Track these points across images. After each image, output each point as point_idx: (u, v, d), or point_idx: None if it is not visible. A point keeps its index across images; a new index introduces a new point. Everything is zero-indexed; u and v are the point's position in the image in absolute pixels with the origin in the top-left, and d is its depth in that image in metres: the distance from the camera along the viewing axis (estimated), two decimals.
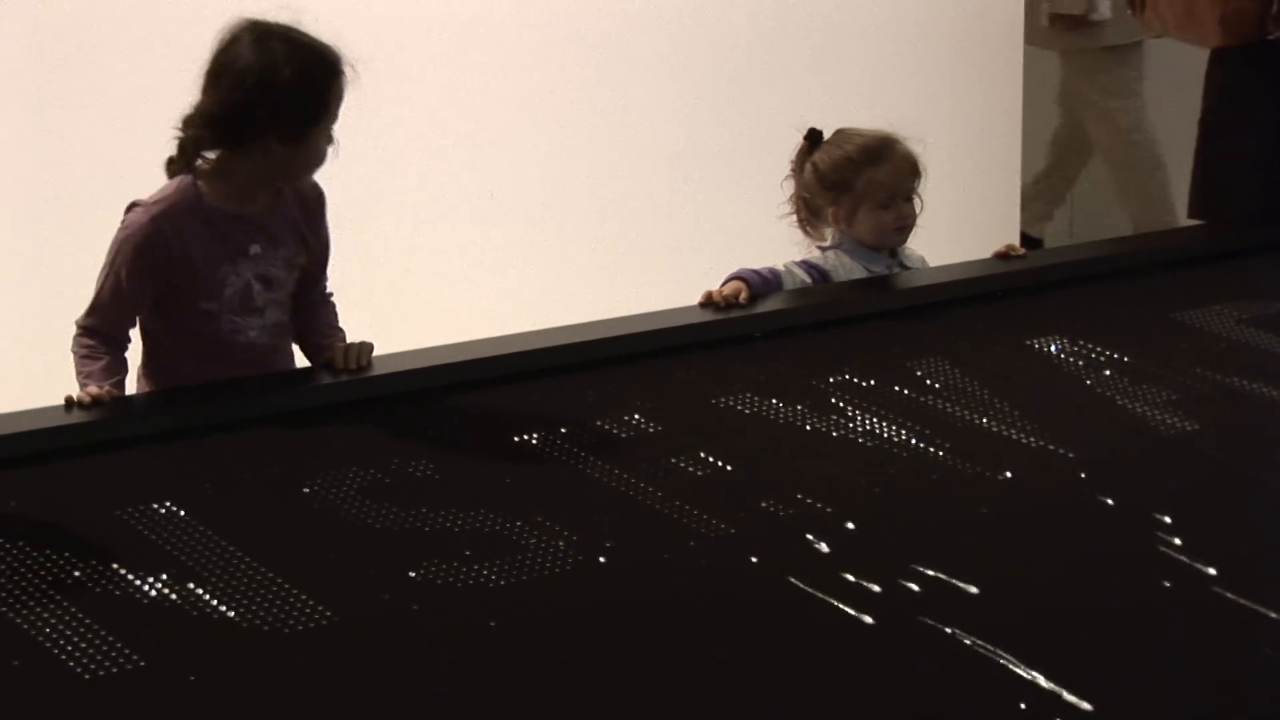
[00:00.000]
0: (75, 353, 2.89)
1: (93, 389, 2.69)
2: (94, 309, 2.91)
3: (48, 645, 1.89)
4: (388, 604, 2.02)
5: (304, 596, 2.00)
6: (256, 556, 2.11)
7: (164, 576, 2.06)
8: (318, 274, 3.08)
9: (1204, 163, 4.29)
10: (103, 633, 1.92)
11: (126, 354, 2.96)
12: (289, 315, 3.00)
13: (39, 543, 2.15)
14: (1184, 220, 4.36)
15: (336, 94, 2.88)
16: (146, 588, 2.04)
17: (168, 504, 2.26)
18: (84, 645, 1.89)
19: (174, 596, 2.02)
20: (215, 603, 2.01)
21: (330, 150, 2.91)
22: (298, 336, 3.04)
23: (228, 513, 2.27)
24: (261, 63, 2.83)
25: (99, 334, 2.90)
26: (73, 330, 2.93)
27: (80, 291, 2.93)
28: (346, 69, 2.89)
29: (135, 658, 1.87)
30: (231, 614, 1.98)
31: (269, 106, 2.81)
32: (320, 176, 3.04)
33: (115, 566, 2.09)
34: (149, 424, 2.61)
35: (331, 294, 3.11)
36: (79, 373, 2.84)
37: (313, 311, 3.05)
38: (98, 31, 4.31)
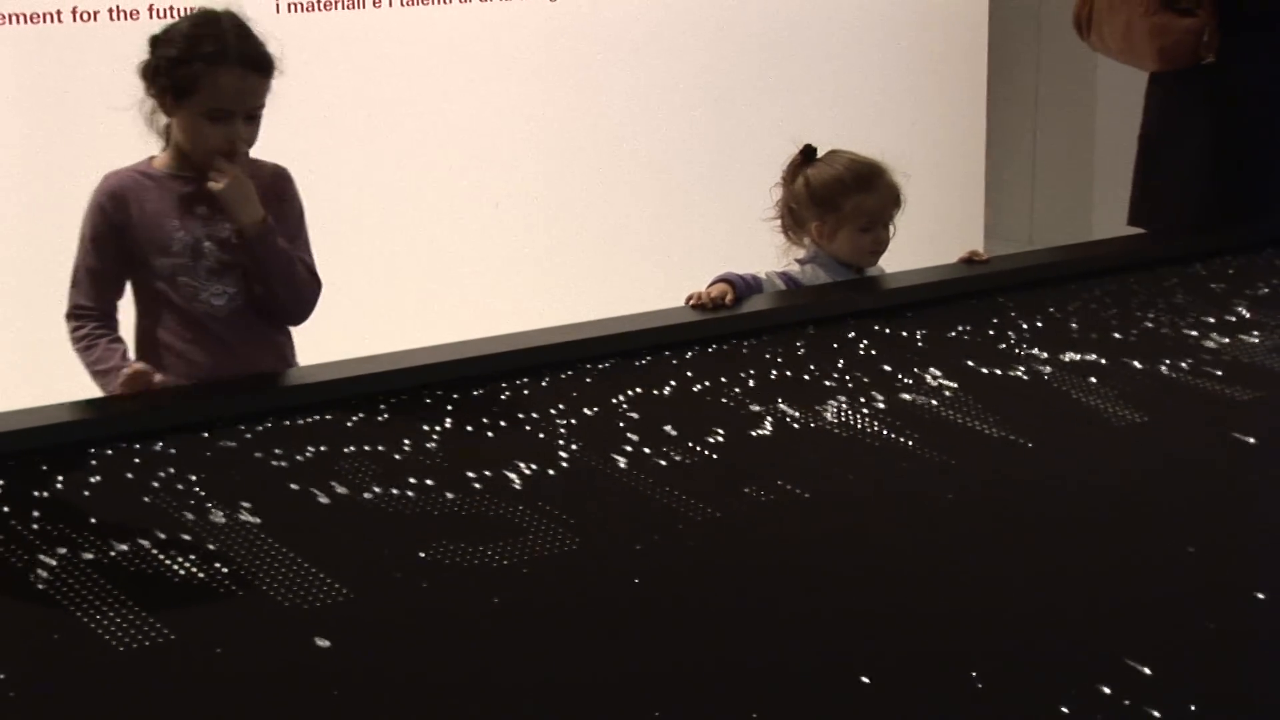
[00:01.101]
0: (75, 344, 2.88)
1: (126, 371, 2.72)
2: (74, 285, 2.90)
3: (85, 619, 1.91)
4: (399, 582, 2.02)
5: (322, 575, 2.02)
6: (281, 538, 2.13)
7: (193, 556, 2.08)
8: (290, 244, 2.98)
9: (1142, 175, 4.33)
10: (135, 607, 1.93)
11: (120, 332, 2.92)
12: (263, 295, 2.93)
13: (84, 524, 2.17)
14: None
15: (213, 86, 2.80)
16: (178, 567, 2.06)
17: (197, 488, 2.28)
18: (118, 620, 1.90)
19: (201, 575, 2.04)
20: (240, 581, 2.02)
21: (231, 139, 2.83)
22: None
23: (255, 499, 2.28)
24: (168, 33, 2.87)
25: (86, 312, 2.89)
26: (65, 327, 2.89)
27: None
28: (239, 65, 2.81)
29: (165, 631, 1.89)
30: (254, 591, 1.99)
31: (157, 71, 2.85)
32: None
33: (149, 546, 2.10)
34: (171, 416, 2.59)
35: (312, 263, 3.03)
36: (90, 364, 2.84)
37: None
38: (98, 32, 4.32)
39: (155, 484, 2.30)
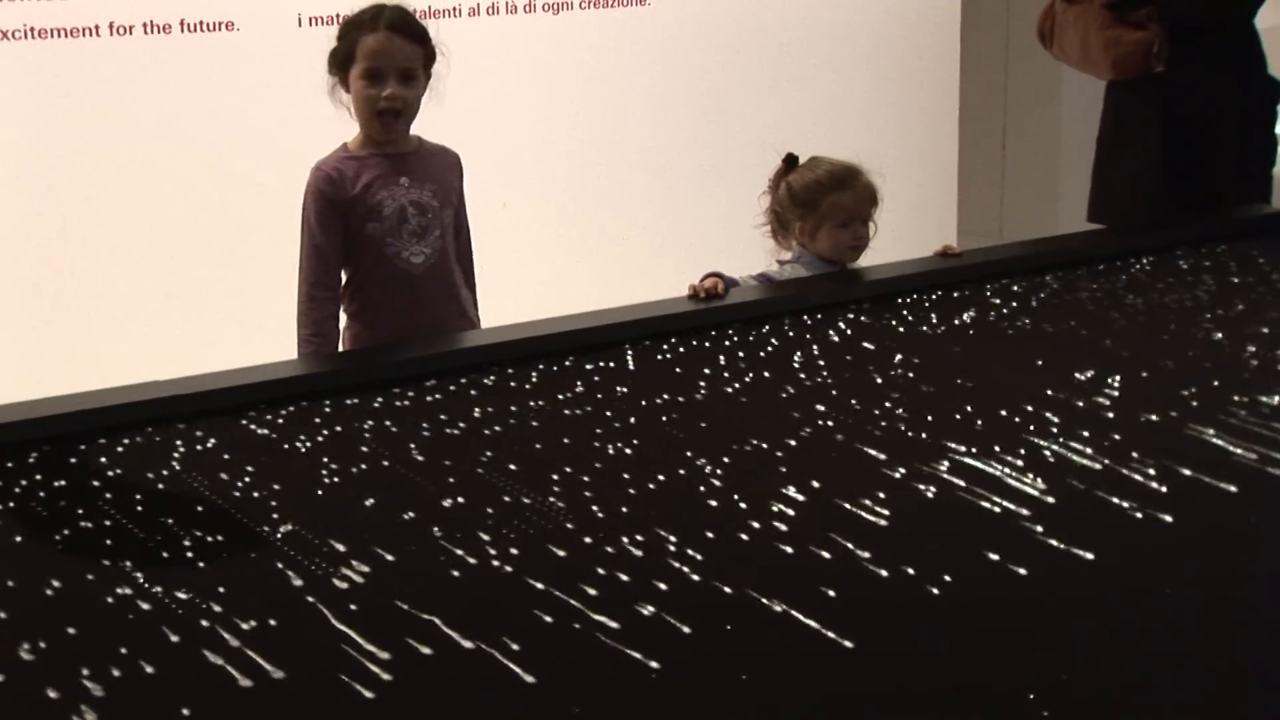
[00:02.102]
0: (299, 314, 3.09)
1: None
2: (307, 269, 3.08)
3: (164, 561, 1.95)
4: (425, 550, 2.03)
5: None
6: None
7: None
8: (466, 260, 3.26)
9: (1100, 175, 4.37)
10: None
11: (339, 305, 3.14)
12: (453, 254, 3.16)
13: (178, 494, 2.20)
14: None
15: (364, 47, 3.00)
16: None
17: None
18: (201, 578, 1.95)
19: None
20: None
21: (388, 98, 3.01)
22: None
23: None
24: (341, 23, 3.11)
25: (314, 286, 3.08)
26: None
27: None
28: (387, 29, 3.01)
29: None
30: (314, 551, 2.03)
31: (333, 54, 3.08)
32: None
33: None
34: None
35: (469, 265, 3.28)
36: (300, 336, 3.07)
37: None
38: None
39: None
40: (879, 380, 2.69)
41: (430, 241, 3.09)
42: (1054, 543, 1.99)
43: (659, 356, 2.87)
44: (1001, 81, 6.71)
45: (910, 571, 1.92)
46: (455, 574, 1.95)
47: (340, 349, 3.13)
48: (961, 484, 2.21)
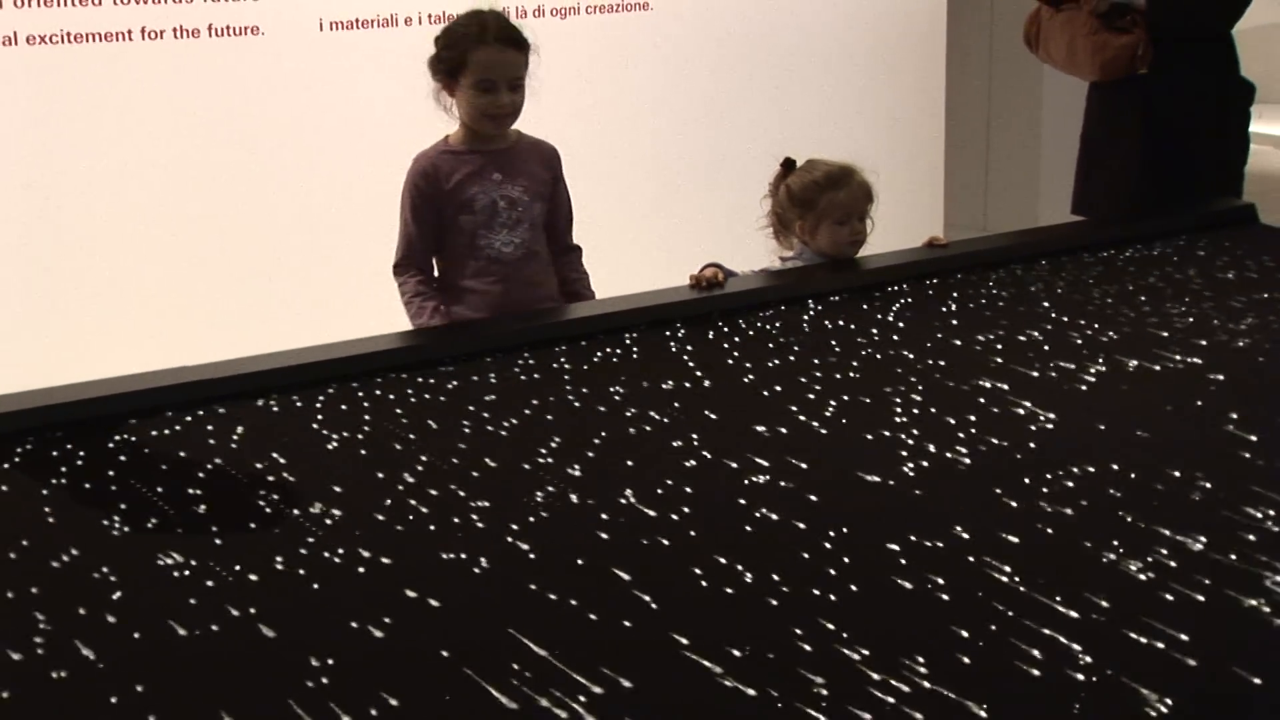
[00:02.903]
0: (401, 295, 3.15)
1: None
2: (399, 247, 3.16)
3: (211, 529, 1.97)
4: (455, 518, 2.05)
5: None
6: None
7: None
8: (562, 226, 3.29)
9: (1084, 171, 4.38)
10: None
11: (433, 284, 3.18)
12: (541, 244, 3.21)
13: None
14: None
15: (476, 61, 3.05)
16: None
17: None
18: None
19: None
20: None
21: (498, 106, 3.07)
22: (559, 283, 3.27)
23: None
24: (444, 31, 3.14)
25: (409, 266, 3.15)
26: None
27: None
28: (496, 42, 3.05)
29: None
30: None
31: (438, 61, 3.12)
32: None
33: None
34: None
35: (578, 248, 3.33)
36: (411, 314, 3.12)
37: (563, 260, 3.28)
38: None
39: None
40: (872, 363, 2.70)
41: (520, 232, 3.14)
42: (1045, 506, 2.01)
43: (668, 341, 2.88)
44: (985, 84, 6.72)
45: (913, 539, 1.93)
46: (469, 538, 1.97)
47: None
48: (965, 457, 2.22)
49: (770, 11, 5.52)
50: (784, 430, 2.37)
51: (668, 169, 5.29)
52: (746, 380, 2.63)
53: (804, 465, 2.21)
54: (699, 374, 2.67)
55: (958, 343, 2.81)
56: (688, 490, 2.14)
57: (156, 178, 4.40)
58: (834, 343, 2.83)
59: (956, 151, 6.30)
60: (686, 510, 2.07)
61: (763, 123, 5.40)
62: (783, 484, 2.15)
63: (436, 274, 3.20)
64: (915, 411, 2.44)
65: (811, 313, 3.02)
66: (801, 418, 2.42)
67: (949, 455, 2.24)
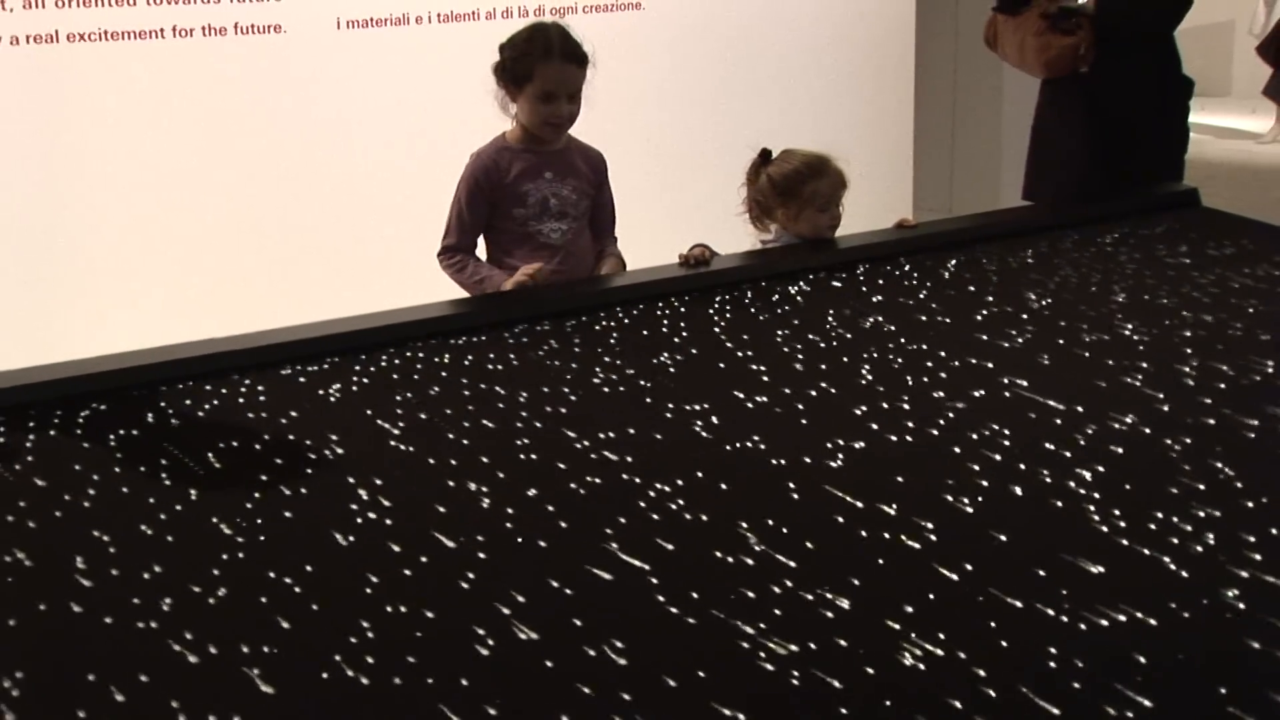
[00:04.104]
0: (450, 269, 3.16)
1: (517, 276, 3.01)
2: (447, 233, 3.18)
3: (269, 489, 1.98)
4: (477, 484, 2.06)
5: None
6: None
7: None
8: (607, 226, 3.30)
9: (1033, 160, 4.41)
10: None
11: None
12: (585, 235, 3.23)
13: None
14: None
15: (541, 75, 3.07)
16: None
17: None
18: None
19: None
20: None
21: (558, 116, 3.10)
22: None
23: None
24: (511, 40, 3.14)
25: (456, 249, 3.17)
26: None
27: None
28: (561, 59, 3.08)
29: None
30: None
31: (503, 68, 3.12)
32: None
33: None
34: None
35: (617, 254, 3.30)
36: (469, 278, 3.12)
37: (602, 261, 3.26)
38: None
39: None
40: (848, 335, 2.71)
41: (567, 222, 3.17)
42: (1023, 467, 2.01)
43: (659, 315, 2.89)
44: (951, 80, 6.72)
45: (884, 509, 1.94)
46: (484, 506, 1.98)
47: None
48: (934, 427, 2.23)
49: (753, 12, 5.51)
50: (768, 399, 2.37)
51: (656, 156, 5.29)
52: (737, 351, 2.64)
53: (790, 429, 2.22)
54: (690, 343, 2.68)
55: (923, 318, 2.82)
56: (678, 457, 2.14)
57: (185, 164, 4.40)
58: (813, 315, 2.84)
59: (924, 141, 6.31)
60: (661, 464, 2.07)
61: (746, 114, 5.39)
62: (760, 445, 2.15)
63: (484, 258, 3.22)
64: (892, 379, 2.45)
65: (794, 288, 3.03)
66: (786, 387, 2.43)
67: (912, 410, 2.26)
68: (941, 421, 2.24)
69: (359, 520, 1.92)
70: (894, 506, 1.91)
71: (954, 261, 3.24)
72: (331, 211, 4.67)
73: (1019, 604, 1.64)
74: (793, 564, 1.76)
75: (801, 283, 3.06)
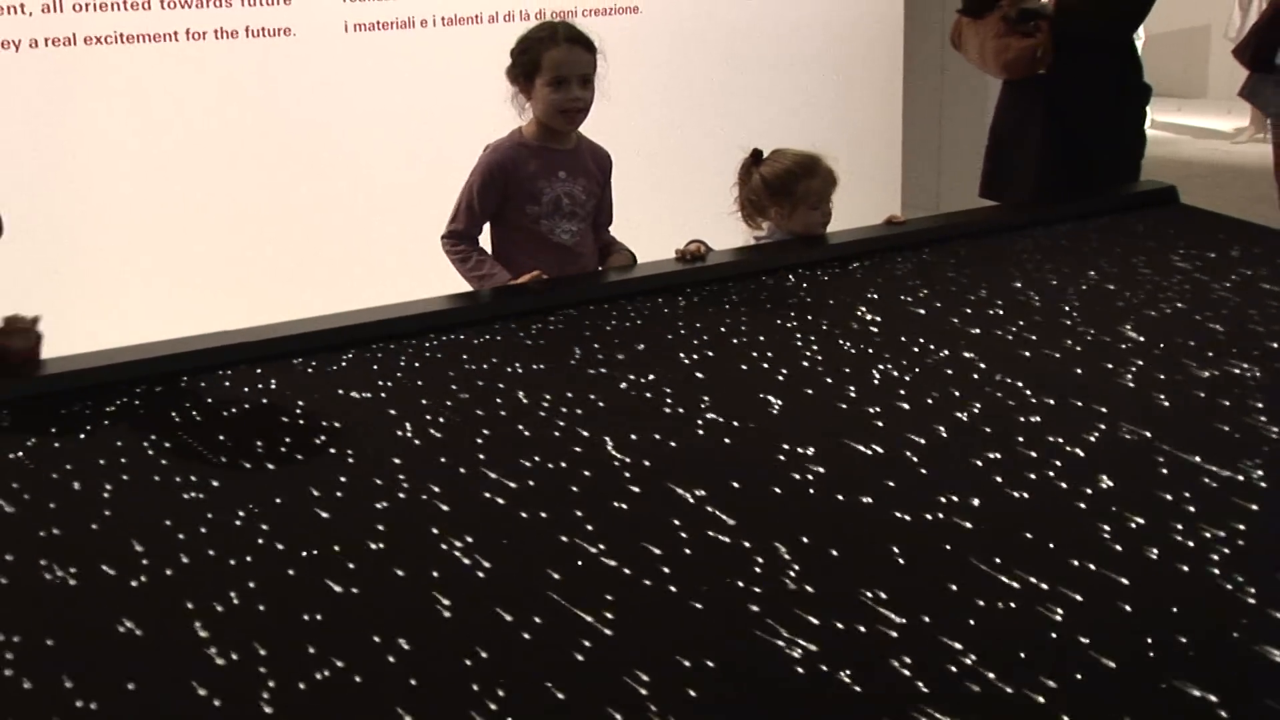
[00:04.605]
0: (451, 254, 3.13)
1: (519, 282, 2.96)
2: (455, 218, 3.15)
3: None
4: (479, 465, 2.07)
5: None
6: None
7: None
8: (604, 223, 3.29)
9: (991, 159, 4.41)
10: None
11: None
12: (590, 234, 3.23)
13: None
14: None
15: (549, 60, 3.05)
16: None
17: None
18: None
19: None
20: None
21: (571, 100, 3.07)
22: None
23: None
24: (519, 39, 3.13)
25: (460, 236, 3.14)
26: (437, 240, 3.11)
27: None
28: (567, 42, 3.06)
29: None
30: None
31: (514, 66, 3.11)
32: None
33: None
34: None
35: (612, 240, 3.31)
36: (471, 270, 3.10)
37: (605, 252, 3.29)
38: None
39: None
40: (838, 327, 2.72)
41: (577, 222, 3.16)
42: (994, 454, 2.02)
43: (662, 308, 2.89)
44: (938, 82, 6.73)
45: (860, 498, 1.95)
46: (488, 495, 1.99)
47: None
48: (920, 413, 2.24)
49: (747, 15, 5.52)
50: (762, 387, 2.38)
51: (654, 154, 5.29)
52: (732, 339, 2.65)
53: (789, 412, 2.23)
54: (690, 335, 2.68)
55: (914, 305, 2.83)
56: (671, 443, 2.15)
57: (199, 161, 4.40)
58: (806, 307, 2.85)
59: (912, 140, 6.32)
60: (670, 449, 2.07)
61: (739, 115, 5.40)
62: (751, 425, 2.15)
63: (489, 250, 3.21)
64: (883, 366, 2.46)
65: (789, 281, 3.04)
66: (781, 375, 2.44)
67: (909, 404, 2.26)
68: (926, 412, 2.24)
69: (382, 507, 1.93)
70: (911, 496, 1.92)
71: (941, 255, 3.24)
72: (339, 206, 4.68)
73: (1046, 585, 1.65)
74: (793, 556, 1.76)
75: (795, 276, 3.06)
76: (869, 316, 2.77)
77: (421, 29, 4.75)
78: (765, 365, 2.49)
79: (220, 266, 4.46)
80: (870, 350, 2.55)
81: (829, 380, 2.40)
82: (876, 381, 2.38)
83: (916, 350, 2.55)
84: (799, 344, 2.60)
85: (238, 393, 2.38)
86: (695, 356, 2.55)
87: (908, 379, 2.39)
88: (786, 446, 2.09)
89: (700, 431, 2.17)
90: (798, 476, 1.98)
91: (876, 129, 5.97)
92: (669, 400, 2.31)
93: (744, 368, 2.48)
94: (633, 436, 2.15)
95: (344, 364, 2.53)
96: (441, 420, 2.23)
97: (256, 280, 4.51)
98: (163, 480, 2.02)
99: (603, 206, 3.29)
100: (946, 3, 5.75)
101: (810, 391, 2.36)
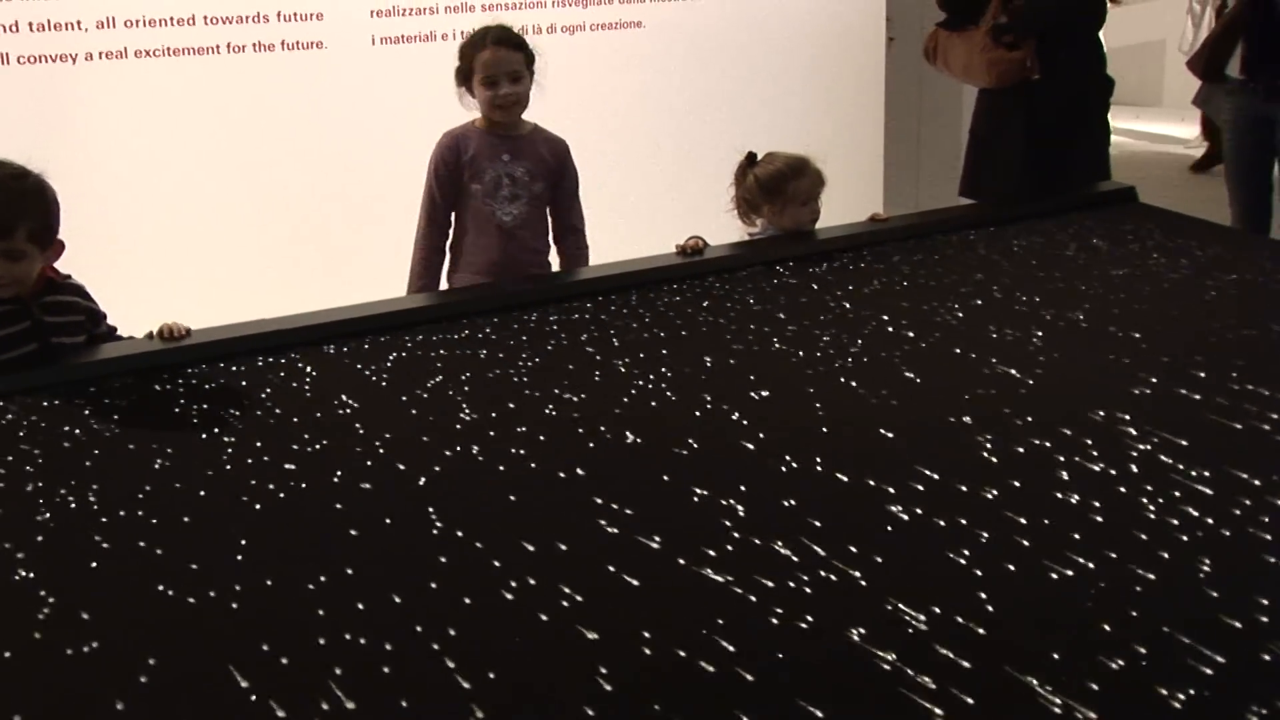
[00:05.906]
0: (416, 243, 3.22)
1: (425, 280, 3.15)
2: (423, 211, 3.22)
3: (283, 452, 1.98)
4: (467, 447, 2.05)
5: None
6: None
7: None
8: (565, 206, 3.31)
9: (971, 160, 4.39)
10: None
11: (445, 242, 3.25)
12: (541, 218, 3.26)
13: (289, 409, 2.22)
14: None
15: (480, 62, 3.15)
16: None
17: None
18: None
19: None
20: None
21: (501, 97, 3.14)
22: (561, 259, 3.32)
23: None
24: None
25: (430, 225, 3.21)
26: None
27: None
28: (494, 45, 3.13)
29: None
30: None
31: (458, 70, 3.23)
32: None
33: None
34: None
35: (579, 229, 3.34)
36: (411, 264, 3.21)
37: (562, 235, 3.32)
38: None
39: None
40: (827, 316, 2.71)
41: (519, 205, 3.18)
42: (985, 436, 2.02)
43: (660, 301, 2.89)
44: (918, 85, 6.69)
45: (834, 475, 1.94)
46: (499, 469, 1.98)
47: (444, 278, 3.27)
48: (903, 396, 2.24)
49: (740, 27, 5.50)
50: (757, 374, 2.37)
51: (656, 157, 5.28)
52: (731, 326, 2.64)
53: (783, 398, 2.22)
54: (688, 324, 2.67)
55: (896, 296, 2.83)
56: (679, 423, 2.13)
57: (240, 166, 4.40)
58: (797, 298, 2.84)
59: (894, 141, 6.29)
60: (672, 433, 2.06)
61: (734, 119, 5.39)
62: (744, 416, 2.14)
63: (450, 240, 3.25)
64: (870, 354, 2.45)
65: (780, 274, 3.03)
66: (774, 361, 2.43)
67: (894, 375, 2.26)
68: (912, 396, 2.23)
69: (402, 493, 1.92)
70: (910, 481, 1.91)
71: (922, 250, 3.23)
72: (359, 208, 4.67)
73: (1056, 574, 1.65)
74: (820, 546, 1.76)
75: (785, 270, 3.05)
76: (853, 306, 2.76)
77: (443, 42, 4.73)
78: (757, 350, 2.48)
79: (253, 271, 4.47)
80: (858, 339, 2.54)
81: (820, 367, 2.39)
82: (865, 364, 2.38)
83: (899, 337, 2.54)
84: (790, 332, 2.59)
85: (243, 384, 2.37)
86: (694, 343, 2.54)
87: (891, 364, 2.39)
88: (777, 433, 2.08)
89: (697, 414, 2.16)
90: (790, 461, 1.98)
91: (860, 132, 5.95)
92: (667, 389, 2.30)
93: (738, 350, 2.47)
94: (632, 423, 2.13)
95: (374, 350, 2.51)
96: (441, 413, 2.20)
97: (289, 282, 4.50)
98: (195, 464, 2.00)
99: (562, 191, 3.28)
100: (924, 22, 5.73)
101: (804, 374, 2.35)
